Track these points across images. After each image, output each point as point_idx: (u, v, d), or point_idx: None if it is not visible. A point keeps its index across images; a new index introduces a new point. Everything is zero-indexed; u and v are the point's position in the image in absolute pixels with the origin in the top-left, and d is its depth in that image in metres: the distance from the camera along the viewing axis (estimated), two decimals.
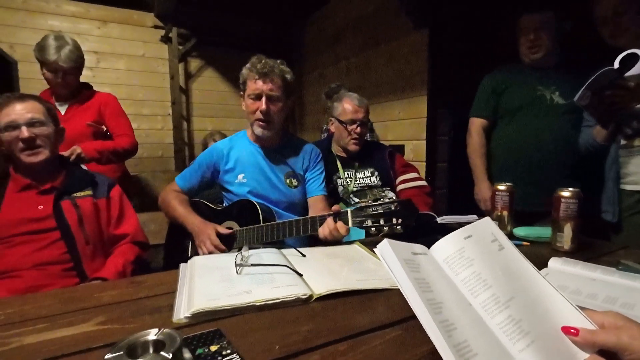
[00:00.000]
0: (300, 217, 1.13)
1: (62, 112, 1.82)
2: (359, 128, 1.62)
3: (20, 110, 1.16)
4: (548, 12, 1.60)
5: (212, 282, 0.74)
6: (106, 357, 0.46)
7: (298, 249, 0.98)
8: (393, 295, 0.71)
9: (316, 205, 1.39)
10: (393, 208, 0.99)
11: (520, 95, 1.67)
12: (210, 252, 1.21)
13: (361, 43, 2.94)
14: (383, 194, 1.62)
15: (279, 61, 1.33)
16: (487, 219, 0.55)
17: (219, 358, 0.44)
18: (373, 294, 0.72)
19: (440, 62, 2.29)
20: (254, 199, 1.31)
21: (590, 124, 1.45)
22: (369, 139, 1.94)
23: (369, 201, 1.02)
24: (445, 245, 0.53)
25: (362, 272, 0.83)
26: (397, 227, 0.98)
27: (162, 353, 0.46)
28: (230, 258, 0.86)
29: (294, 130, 4.03)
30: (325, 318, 0.62)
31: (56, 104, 1.83)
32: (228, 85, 3.79)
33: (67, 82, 1.80)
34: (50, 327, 0.59)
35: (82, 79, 1.91)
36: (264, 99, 1.29)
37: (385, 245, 0.48)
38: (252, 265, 0.81)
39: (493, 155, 1.78)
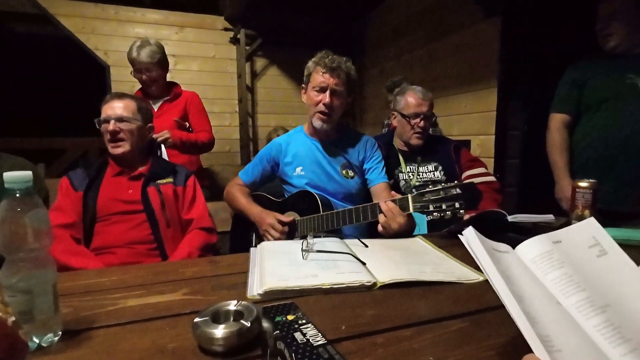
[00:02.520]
0: (360, 205, 1.15)
1: (155, 109, 2.04)
2: (422, 122, 1.58)
3: (114, 107, 1.34)
4: None
5: (281, 264, 0.79)
6: (195, 320, 0.52)
7: (361, 239, 1.00)
8: (458, 289, 0.71)
9: (380, 194, 1.39)
10: (455, 192, 0.97)
11: (607, 85, 1.52)
12: (277, 239, 1.28)
13: (425, 35, 2.85)
14: None
15: (344, 58, 1.37)
16: (591, 219, 0.50)
17: (296, 326, 0.48)
18: (437, 286, 0.71)
19: (513, 52, 2.14)
20: (312, 190, 1.35)
21: None
22: (432, 134, 1.88)
23: (430, 186, 1.01)
24: (531, 246, 0.50)
25: (426, 264, 0.82)
26: (460, 211, 0.96)
27: (241, 321, 0.51)
28: (296, 244, 0.91)
29: (354, 126, 4.04)
30: (390, 305, 0.64)
31: (150, 102, 2.03)
32: (290, 82, 3.92)
33: (151, 79, 2.00)
34: (146, 294, 0.69)
35: None
36: (328, 92, 1.33)
37: (470, 231, 0.48)
38: (318, 251, 0.85)
39: (576, 151, 1.63)
